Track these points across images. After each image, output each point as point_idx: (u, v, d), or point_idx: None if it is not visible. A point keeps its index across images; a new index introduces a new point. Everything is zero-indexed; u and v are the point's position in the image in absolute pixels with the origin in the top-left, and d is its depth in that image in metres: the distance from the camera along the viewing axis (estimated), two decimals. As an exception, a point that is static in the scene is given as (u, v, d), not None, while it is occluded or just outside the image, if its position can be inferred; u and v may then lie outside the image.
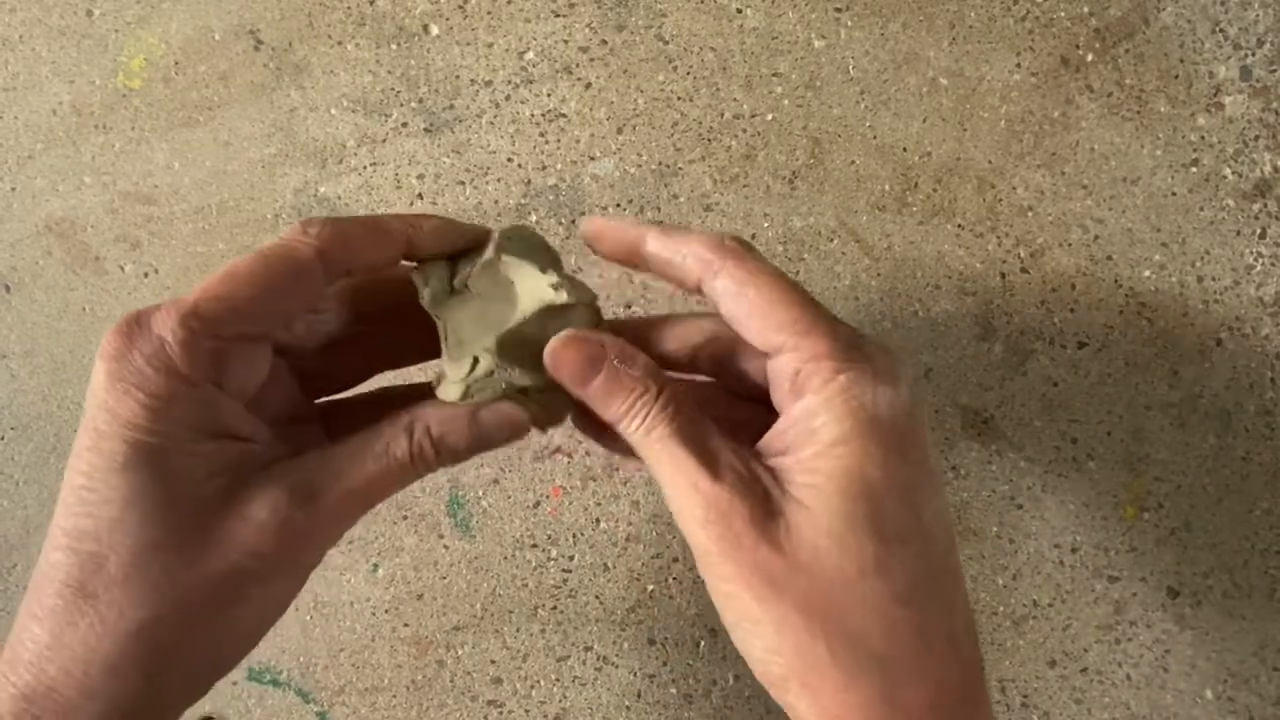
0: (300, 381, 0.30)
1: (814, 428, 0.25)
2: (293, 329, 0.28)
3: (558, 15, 0.43)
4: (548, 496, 0.44)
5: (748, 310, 0.26)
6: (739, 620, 0.25)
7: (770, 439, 0.27)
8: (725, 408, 0.30)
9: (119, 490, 0.24)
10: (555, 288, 0.28)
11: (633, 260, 0.28)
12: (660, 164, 0.43)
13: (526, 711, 0.45)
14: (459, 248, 0.29)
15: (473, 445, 0.28)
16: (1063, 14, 0.41)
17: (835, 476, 0.25)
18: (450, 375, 0.28)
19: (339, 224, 0.26)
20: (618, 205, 0.43)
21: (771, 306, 0.26)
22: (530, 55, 0.43)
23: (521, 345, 0.28)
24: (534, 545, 0.45)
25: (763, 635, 0.25)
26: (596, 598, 0.44)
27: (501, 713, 0.45)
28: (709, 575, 0.26)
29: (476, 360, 0.28)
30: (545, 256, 0.29)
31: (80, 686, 0.24)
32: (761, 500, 0.25)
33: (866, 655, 0.24)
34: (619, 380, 0.27)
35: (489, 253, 0.28)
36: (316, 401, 0.31)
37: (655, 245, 0.28)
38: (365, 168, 0.44)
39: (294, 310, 0.27)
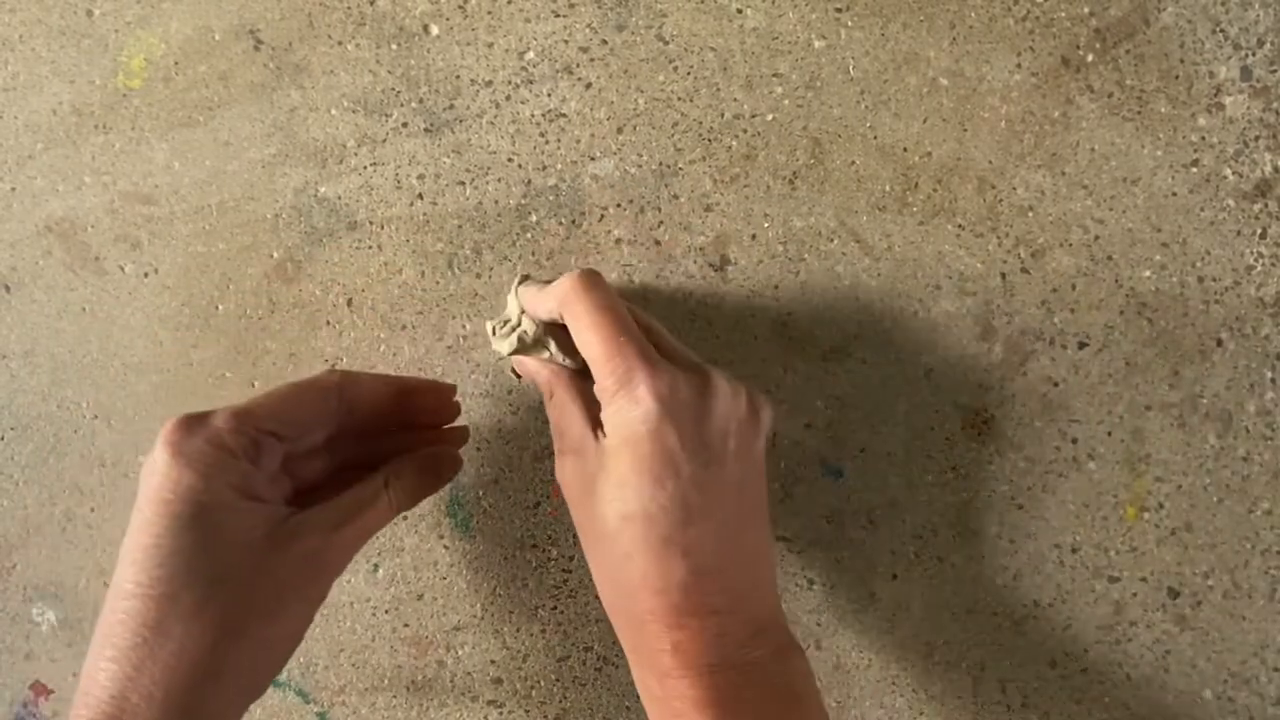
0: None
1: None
2: (309, 438, 0.37)
3: (558, 15, 0.43)
4: (548, 496, 0.44)
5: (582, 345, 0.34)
6: (666, 543, 0.31)
7: None
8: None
9: (187, 541, 0.31)
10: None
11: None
12: (660, 164, 0.43)
13: (526, 712, 0.45)
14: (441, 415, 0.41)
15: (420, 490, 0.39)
16: (1063, 14, 0.41)
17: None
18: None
19: (356, 374, 0.38)
20: (618, 205, 0.43)
21: (587, 346, 0.33)
22: (530, 55, 0.43)
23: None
24: (534, 545, 0.45)
25: (670, 560, 0.32)
26: (596, 598, 0.44)
27: (501, 713, 0.45)
28: (644, 491, 0.31)
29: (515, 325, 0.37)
30: None
31: (162, 705, 0.30)
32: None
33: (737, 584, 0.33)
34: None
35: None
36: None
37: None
38: (365, 168, 0.44)
39: (314, 421, 0.36)
